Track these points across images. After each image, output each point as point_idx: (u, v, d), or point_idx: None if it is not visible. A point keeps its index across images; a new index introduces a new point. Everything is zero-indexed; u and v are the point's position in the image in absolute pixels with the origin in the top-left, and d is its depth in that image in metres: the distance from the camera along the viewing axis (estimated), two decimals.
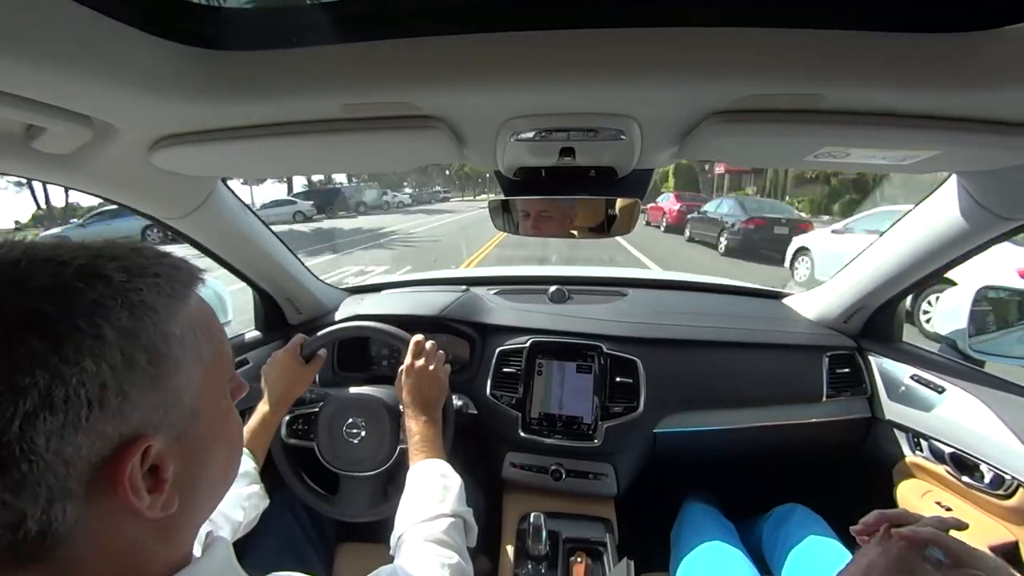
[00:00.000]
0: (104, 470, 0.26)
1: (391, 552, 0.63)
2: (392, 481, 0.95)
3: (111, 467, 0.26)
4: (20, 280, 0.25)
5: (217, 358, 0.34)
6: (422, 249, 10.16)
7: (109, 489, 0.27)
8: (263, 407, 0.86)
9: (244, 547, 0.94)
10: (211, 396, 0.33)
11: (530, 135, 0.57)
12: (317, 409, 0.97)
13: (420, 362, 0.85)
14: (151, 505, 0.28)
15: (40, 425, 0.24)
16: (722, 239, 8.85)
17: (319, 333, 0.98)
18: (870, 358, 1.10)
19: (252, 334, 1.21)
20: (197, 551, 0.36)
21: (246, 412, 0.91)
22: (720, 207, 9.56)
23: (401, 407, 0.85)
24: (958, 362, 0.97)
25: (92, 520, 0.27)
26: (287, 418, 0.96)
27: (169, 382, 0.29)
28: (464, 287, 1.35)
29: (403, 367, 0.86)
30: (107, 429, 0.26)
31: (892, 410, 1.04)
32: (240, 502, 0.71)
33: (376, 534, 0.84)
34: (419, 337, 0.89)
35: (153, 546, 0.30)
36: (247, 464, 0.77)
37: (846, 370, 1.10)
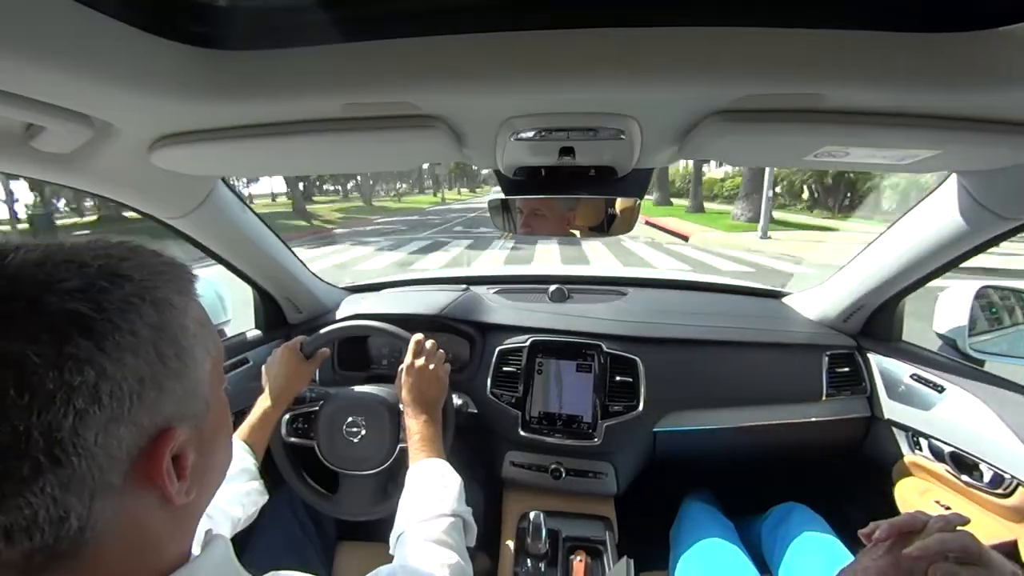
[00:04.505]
0: (139, 462, 0.28)
1: (391, 551, 0.63)
2: (392, 480, 0.95)
3: (147, 458, 0.28)
4: (51, 281, 0.25)
5: (217, 351, 0.35)
6: None
7: (143, 480, 0.28)
8: (263, 402, 0.86)
9: (244, 545, 0.94)
10: (216, 387, 0.35)
11: (530, 135, 0.57)
12: (317, 408, 0.97)
13: (420, 361, 0.85)
14: (178, 492, 0.30)
15: (90, 420, 0.25)
16: None
17: (321, 331, 0.98)
18: (870, 357, 1.10)
19: (253, 333, 1.21)
20: (196, 549, 0.36)
21: (245, 411, 0.91)
22: None
23: (401, 406, 0.85)
24: (958, 361, 0.97)
25: (123, 513, 0.28)
26: (287, 416, 0.97)
27: (191, 374, 0.31)
28: (464, 286, 1.35)
29: (403, 366, 0.86)
30: (144, 421, 0.27)
31: (892, 409, 1.04)
32: (239, 498, 0.72)
33: (376, 533, 0.84)
34: (419, 336, 0.89)
35: (166, 538, 0.31)
36: (246, 460, 0.77)
37: (846, 369, 1.10)
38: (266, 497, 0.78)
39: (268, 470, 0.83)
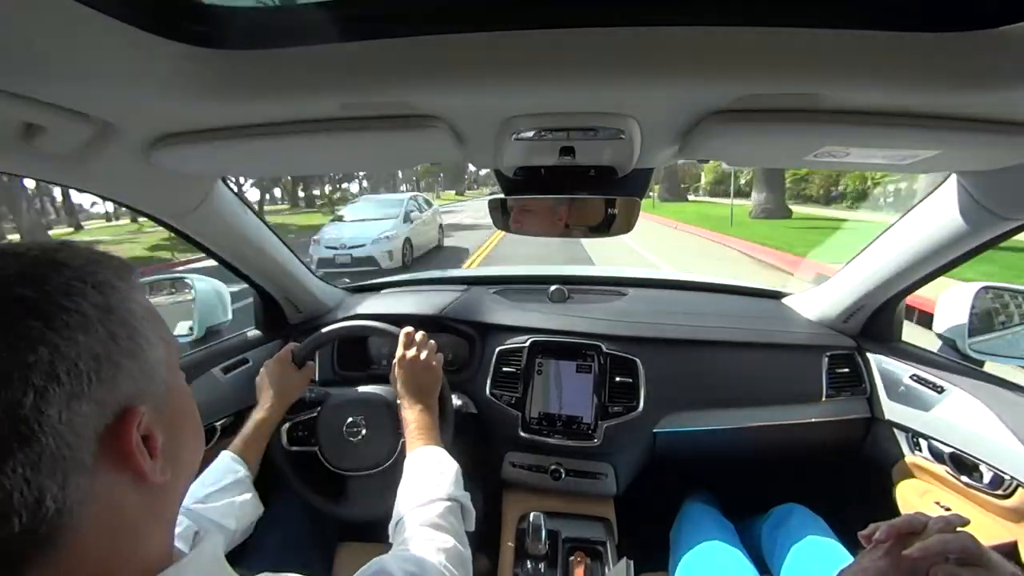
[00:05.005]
0: (108, 440, 0.28)
1: (390, 540, 0.63)
2: (399, 476, 0.95)
3: (115, 436, 0.28)
4: None
5: (170, 338, 0.35)
6: None
7: (114, 459, 0.28)
8: (257, 414, 0.85)
9: (244, 547, 0.94)
10: (175, 374, 0.35)
11: (530, 134, 0.57)
12: (316, 413, 0.97)
13: (412, 352, 0.86)
14: (152, 469, 0.30)
15: (51, 397, 0.25)
16: None
17: (311, 337, 0.98)
18: (869, 358, 1.10)
19: (252, 333, 1.21)
20: (186, 550, 0.36)
21: (245, 412, 0.91)
22: None
23: (397, 400, 0.85)
24: (957, 362, 0.97)
25: (97, 493, 0.28)
26: (287, 426, 0.96)
27: (145, 355, 0.31)
28: (464, 286, 1.35)
29: (395, 359, 0.86)
30: (106, 398, 0.28)
31: (891, 410, 1.04)
32: (233, 511, 0.71)
33: (376, 533, 0.84)
34: (409, 329, 0.89)
35: (142, 523, 0.31)
36: (239, 472, 0.76)
37: (845, 370, 1.10)
38: (261, 510, 0.77)
39: (266, 477, 0.83)
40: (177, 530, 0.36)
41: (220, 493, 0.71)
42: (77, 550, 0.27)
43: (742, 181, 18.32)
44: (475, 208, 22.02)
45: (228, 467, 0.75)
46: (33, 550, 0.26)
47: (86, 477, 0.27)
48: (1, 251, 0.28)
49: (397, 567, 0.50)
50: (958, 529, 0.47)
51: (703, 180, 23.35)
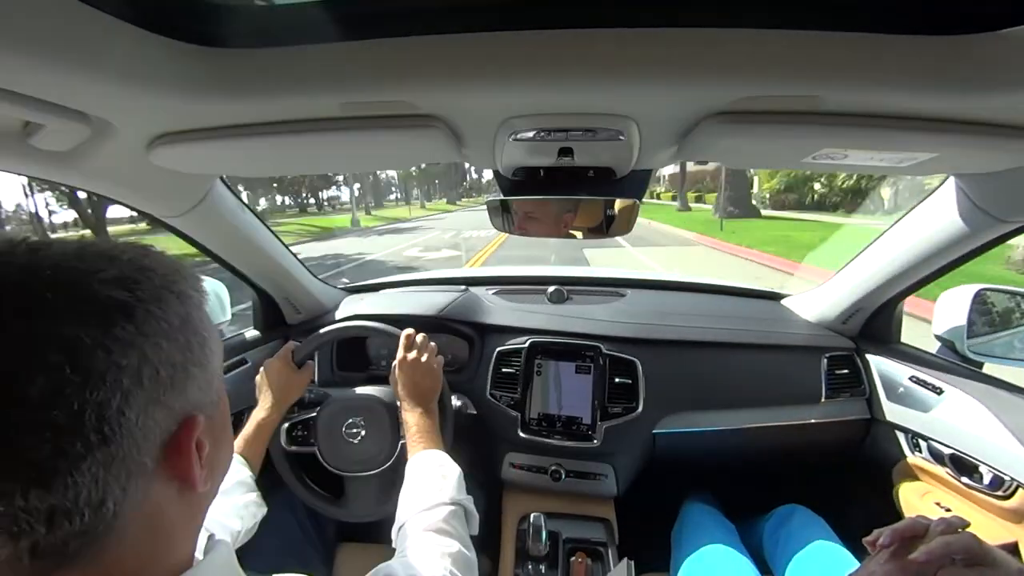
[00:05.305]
0: (168, 446, 0.29)
1: (393, 546, 0.63)
2: (397, 478, 0.95)
3: (175, 444, 0.29)
4: (92, 271, 0.27)
5: (220, 346, 0.36)
6: None
7: (170, 466, 0.29)
8: (258, 415, 0.86)
9: (245, 547, 0.93)
10: (222, 384, 0.36)
11: (529, 135, 0.57)
12: (315, 414, 0.97)
13: (412, 355, 0.85)
14: (201, 478, 0.31)
15: (133, 401, 0.26)
16: None
17: (311, 337, 0.98)
18: (869, 359, 1.10)
19: (251, 333, 1.21)
20: (199, 554, 0.36)
21: (245, 412, 0.91)
22: None
23: (398, 402, 0.85)
24: (956, 363, 0.97)
25: (149, 499, 0.29)
26: (286, 426, 0.96)
27: (210, 364, 0.32)
28: (463, 287, 1.35)
29: (395, 361, 0.86)
30: (175, 406, 0.29)
31: (891, 411, 1.04)
32: (238, 511, 0.71)
33: (377, 534, 0.84)
34: (410, 331, 0.89)
35: (180, 530, 0.32)
36: (243, 472, 0.76)
37: (845, 371, 1.10)
38: (264, 509, 0.77)
39: (266, 476, 0.83)
40: None
41: (225, 494, 0.71)
42: (118, 552, 0.28)
43: (822, 188, 14.09)
44: (447, 228, 16.75)
45: (233, 467, 0.75)
46: (83, 548, 0.26)
47: (145, 481, 0.28)
48: (98, 252, 0.28)
49: (404, 572, 0.50)
50: (959, 530, 0.47)
51: (756, 187, 17.35)
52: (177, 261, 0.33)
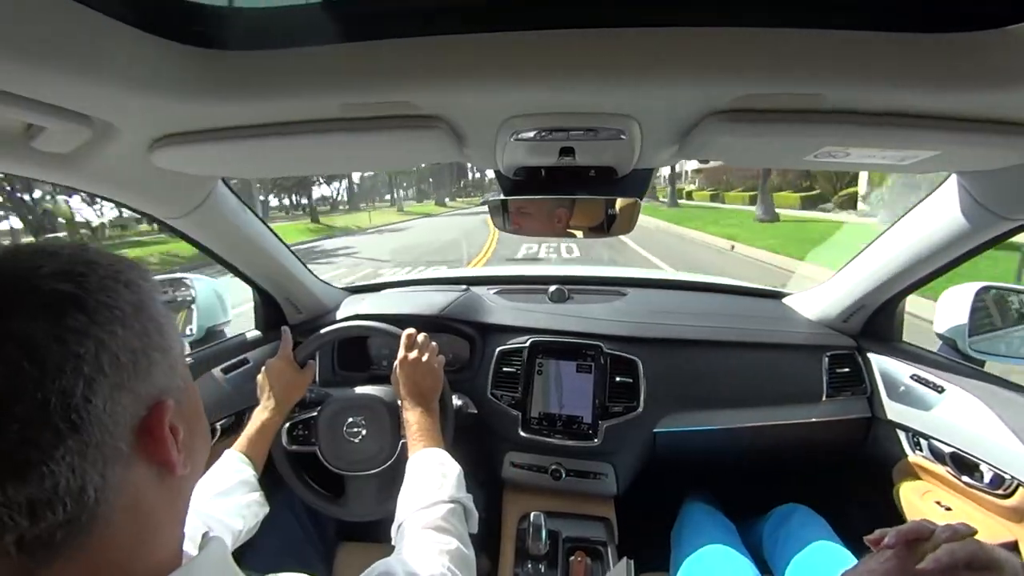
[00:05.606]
0: (141, 432, 0.30)
1: (392, 543, 0.63)
2: (397, 478, 0.96)
3: (148, 428, 0.30)
4: (32, 267, 0.27)
5: (180, 336, 0.36)
6: None
7: (146, 450, 0.30)
8: (260, 415, 0.85)
9: (245, 547, 0.94)
10: (187, 371, 0.36)
11: (530, 135, 0.57)
12: (316, 413, 0.97)
13: (413, 354, 0.86)
14: (179, 461, 0.31)
15: (97, 387, 0.27)
16: None
17: (312, 336, 0.98)
18: (870, 358, 1.10)
19: (252, 333, 1.21)
20: (193, 551, 0.36)
21: (246, 411, 0.91)
22: None
23: (399, 401, 0.85)
24: (958, 362, 0.97)
25: (129, 485, 0.29)
26: (287, 425, 0.96)
27: (170, 350, 0.33)
28: (464, 287, 1.35)
29: (396, 361, 0.86)
30: (141, 391, 0.30)
31: (892, 410, 1.04)
32: (240, 510, 0.71)
33: (377, 533, 0.84)
34: (411, 331, 0.89)
35: (162, 516, 0.32)
36: (245, 472, 0.76)
37: (846, 370, 1.10)
38: (266, 509, 0.77)
39: (267, 475, 0.83)
40: (186, 530, 0.36)
41: (227, 493, 0.71)
42: (105, 540, 0.28)
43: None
44: (393, 250, 10.49)
45: (235, 467, 0.75)
46: (68, 538, 0.27)
47: (122, 467, 0.28)
48: (37, 249, 0.29)
49: (401, 569, 0.50)
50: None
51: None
52: (117, 255, 0.33)
